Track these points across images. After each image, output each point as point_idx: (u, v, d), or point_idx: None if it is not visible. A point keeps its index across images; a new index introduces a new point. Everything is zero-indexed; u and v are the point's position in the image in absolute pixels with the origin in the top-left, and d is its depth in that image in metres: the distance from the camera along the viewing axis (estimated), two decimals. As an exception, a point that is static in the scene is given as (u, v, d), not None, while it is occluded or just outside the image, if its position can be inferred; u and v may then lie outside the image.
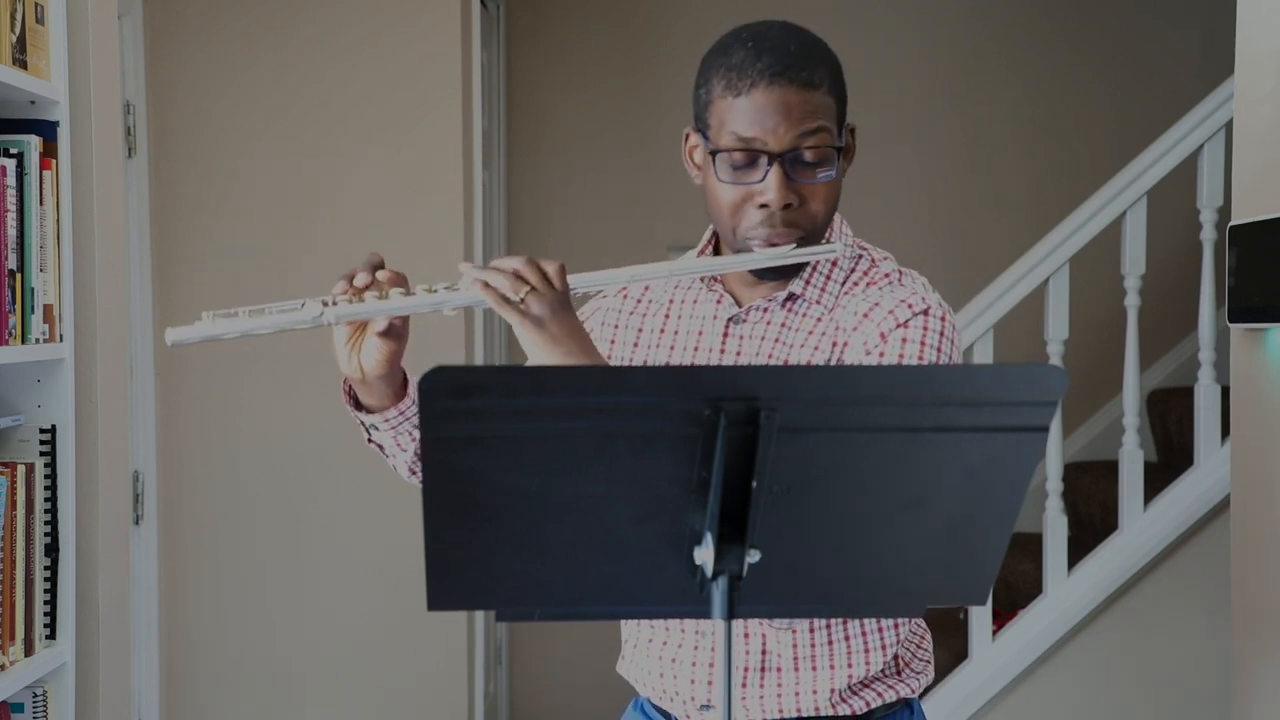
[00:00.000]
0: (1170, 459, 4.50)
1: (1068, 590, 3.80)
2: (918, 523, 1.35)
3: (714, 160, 1.68)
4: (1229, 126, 3.73)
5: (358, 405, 1.73)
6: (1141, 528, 3.81)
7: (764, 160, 1.66)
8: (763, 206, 1.67)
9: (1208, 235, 3.85)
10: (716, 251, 1.82)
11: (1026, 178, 4.92)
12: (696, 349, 1.78)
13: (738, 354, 1.76)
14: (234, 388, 3.77)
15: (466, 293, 1.63)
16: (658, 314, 1.83)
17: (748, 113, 1.65)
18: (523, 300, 1.61)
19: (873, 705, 1.78)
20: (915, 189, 4.91)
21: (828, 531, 1.36)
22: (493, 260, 1.66)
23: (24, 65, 2.27)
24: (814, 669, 1.75)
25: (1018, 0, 4.93)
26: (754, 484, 1.28)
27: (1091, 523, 4.42)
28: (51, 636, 2.36)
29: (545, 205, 4.88)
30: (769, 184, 1.66)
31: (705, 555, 1.31)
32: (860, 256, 1.80)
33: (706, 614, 1.33)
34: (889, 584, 1.43)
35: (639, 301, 1.85)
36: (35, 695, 2.32)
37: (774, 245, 1.68)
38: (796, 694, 1.75)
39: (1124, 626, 3.85)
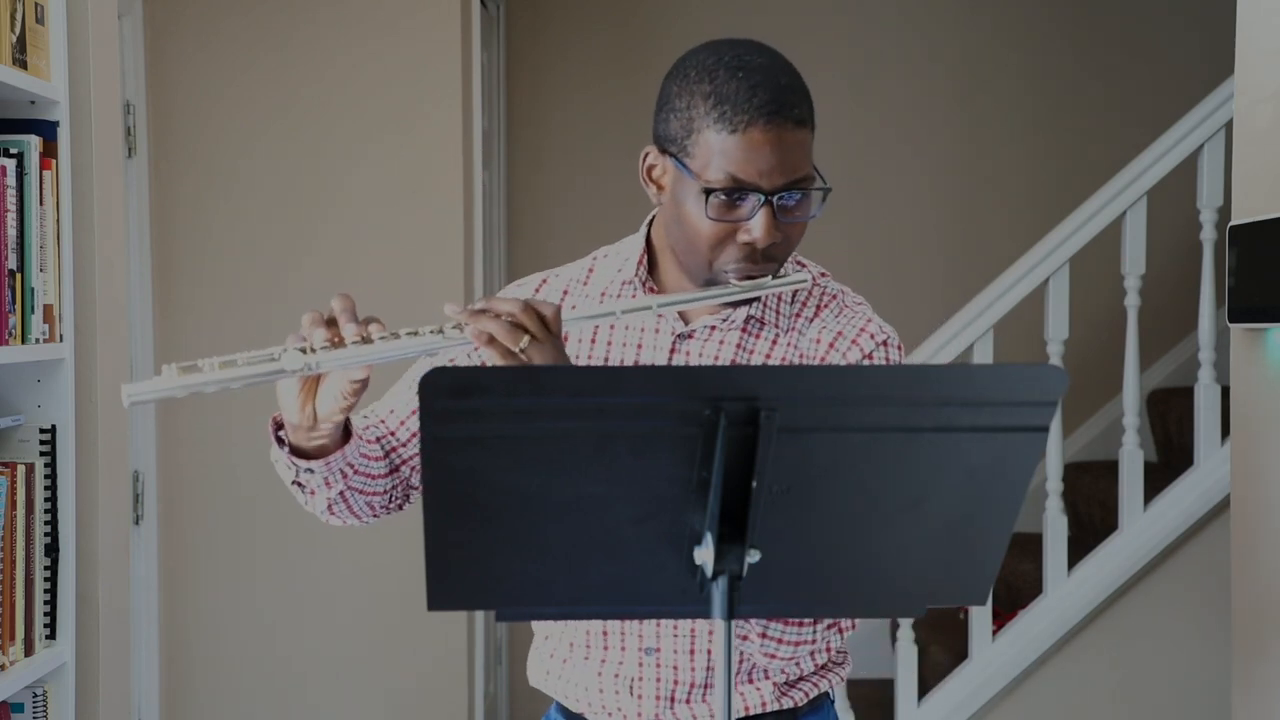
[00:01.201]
0: (1170, 459, 4.50)
1: (1068, 590, 3.80)
2: (918, 523, 1.36)
3: (705, 196, 1.62)
4: (1229, 126, 3.73)
5: (280, 445, 1.63)
6: (1141, 528, 3.81)
7: (754, 199, 1.62)
8: (747, 244, 1.64)
9: (1208, 235, 3.85)
10: (651, 260, 1.78)
11: (1026, 178, 4.92)
12: (637, 363, 1.75)
13: None
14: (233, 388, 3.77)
15: (455, 337, 1.55)
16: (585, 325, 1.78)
17: (744, 151, 1.60)
18: (523, 351, 1.55)
19: (811, 695, 1.81)
20: (916, 189, 4.91)
21: (828, 531, 1.36)
22: (484, 301, 1.58)
23: (24, 65, 2.27)
24: (751, 680, 1.77)
25: (1018, 0, 4.93)
26: (754, 484, 1.28)
27: (1091, 523, 4.42)
28: (51, 636, 2.36)
29: (545, 205, 4.88)
30: (757, 224, 1.62)
31: (705, 555, 1.31)
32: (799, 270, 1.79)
33: (706, 614, 1.33)
34: (889, 584, 1.43)
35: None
36: (35, 695, 2.32)
37: (750, 278, 1.66)
38: (742, 694, 1.78)
39: (1124, 626, 3.85)
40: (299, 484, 1.66)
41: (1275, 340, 2.61)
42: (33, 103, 2.32)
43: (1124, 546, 3.82)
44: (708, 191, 1.62)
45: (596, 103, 4.85)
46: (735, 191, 1.62)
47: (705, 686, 1.75)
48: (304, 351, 1.52)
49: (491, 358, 1.55)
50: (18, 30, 2.25)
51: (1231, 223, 2.72)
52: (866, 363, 1.71)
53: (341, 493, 1.68)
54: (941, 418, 1.29)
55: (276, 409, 1.62)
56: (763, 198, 1.61)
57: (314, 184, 3.80)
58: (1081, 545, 3.96)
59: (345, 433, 1.63)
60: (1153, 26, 4.94)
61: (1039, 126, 4.92)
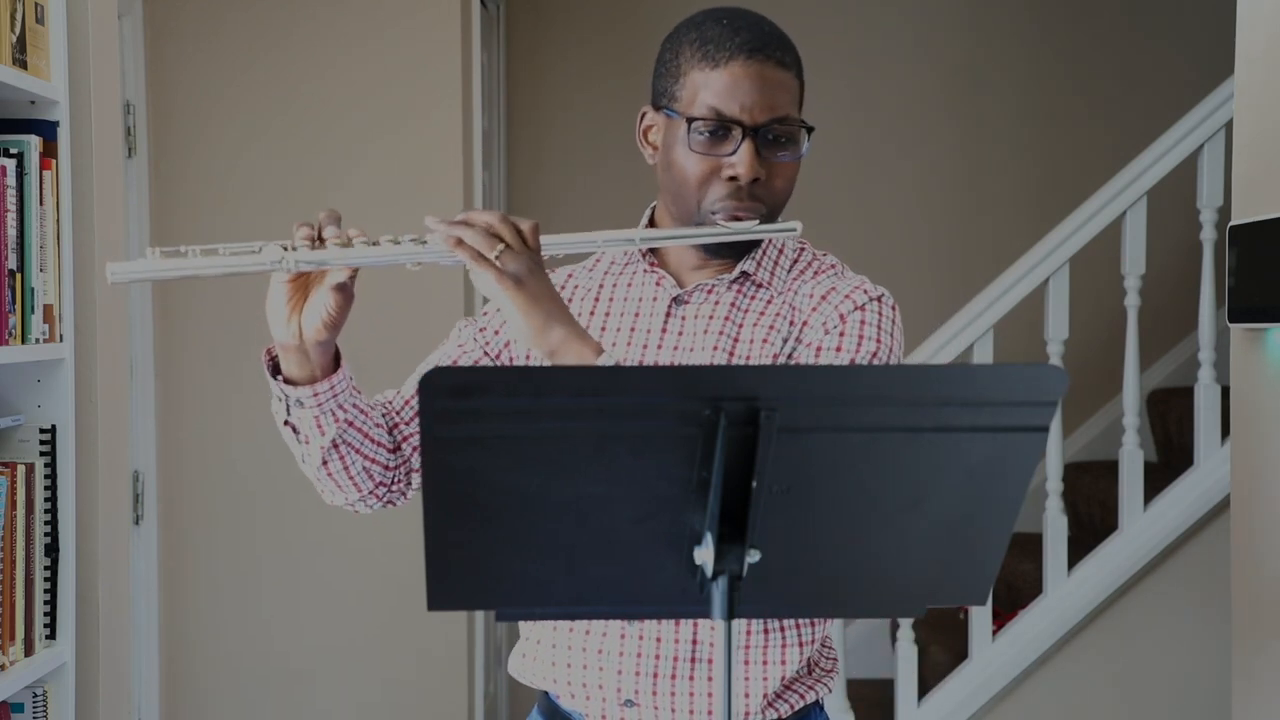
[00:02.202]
0: (1170, 459, 4.50)
1: (1068, 590, 3.80)
2: (918, 523, 1.35)
3: (688, 128, 1.66)
4: (1229, 126, 3.73)
5: (277, 376, 1.63)
6: (1141, 528, 3.82)
7: (737, 133, 1.66)
8: (731, 179, 1.67)
9: (1208, 235, 3.85)
10: None
11: (1026, 178, 4.92)
12: (634, 330, 1.75)
13: (680, 334, 1.74)
14: (233, 387, 3.77)
15: (436, 248, 1.57)
16: (586, 298, 1.80)
17: (725, 84, 1.66)
18: (498, 258, 1.56)
19: (796, 708, 1.75)
20: (915, 188, 4.91)
21: (828, 531, 1.36)
22: (464, 214, 1.60)
23: (24, 65, 2.27)
24: (746, 662, 1.71)
25: (1017, 1, 4.93)
26: (754, 484, 1.28)
27: (1091, 523, 4.42)
28: (51, 636, 2.36)
29: (545, 205, 4.88)
30: (740, 157, 1.66)
31: (705, 555, 1.31)
32: (802, 248, 1.81)
33: (706, 614, 1.33)
34: (889, 584, 1.43)
35: (562, 288, 1.82)
36: (35, 695, 2.32)
37: (738, 219, 1.67)
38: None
39: (1124, 626, 3.85)
40: (293, 428, 1.65)
41: (1275, 340, 2.61)
42: (33, 103, 2.32)
43: (1124, 546, 3.82)
44: (690, 121, 1.66)
45: (596, 103, 4.85)
46: (718, 125, 1.66)
47: (691, 661, 1.69)
48: (285, 249, 1.55)
49: (470, 266, 1.56)
50: (18, 30, 2.25)
51: (1231, 223, 2.72)
52: (858, 314, 1.70)
53: (335, 443, 1.65)
54: (941, 418, 1.29)
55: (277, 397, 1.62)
56: (745, 132, 1.65)
57: (314, 184, 3.80)
58: (1081, 545, 3.96)
59: (336, 366, 1.64)
60: (1152, 26, 4.94)
61: (1039, 126, 4.92)
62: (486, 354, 1.80)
